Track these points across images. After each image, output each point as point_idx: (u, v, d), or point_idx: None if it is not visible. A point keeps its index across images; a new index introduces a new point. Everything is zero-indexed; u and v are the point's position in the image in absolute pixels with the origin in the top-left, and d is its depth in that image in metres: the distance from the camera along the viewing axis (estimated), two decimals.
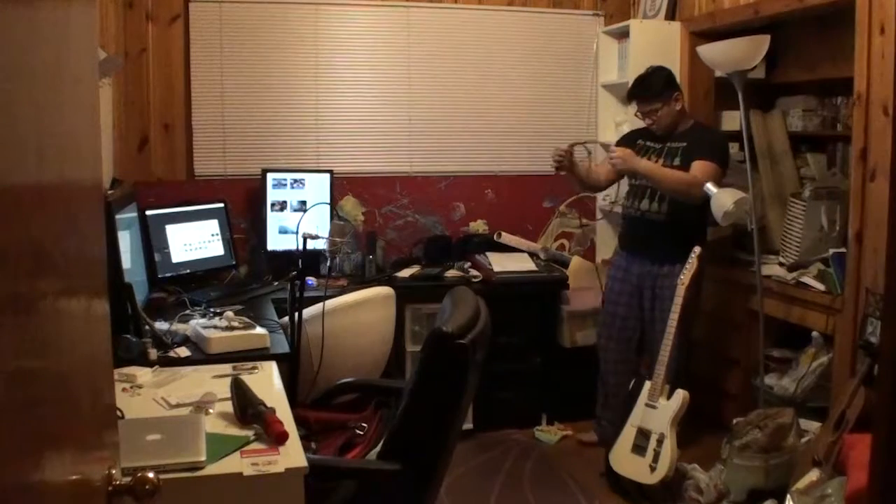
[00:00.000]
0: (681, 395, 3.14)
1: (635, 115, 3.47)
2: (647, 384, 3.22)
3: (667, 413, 3.13)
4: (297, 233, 2.98)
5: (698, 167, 3.27)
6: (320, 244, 3.19)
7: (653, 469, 3.09)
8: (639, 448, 3.17)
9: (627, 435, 3.21)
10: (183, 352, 2.56)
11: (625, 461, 3.20)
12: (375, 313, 3.34)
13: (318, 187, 3.92)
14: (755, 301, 3.42)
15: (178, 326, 2.73)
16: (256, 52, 4.01)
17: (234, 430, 1.87)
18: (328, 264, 3.53)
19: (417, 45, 4.21)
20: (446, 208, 4.31)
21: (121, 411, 1.85)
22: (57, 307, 0.91)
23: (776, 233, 3.73)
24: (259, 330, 2.66)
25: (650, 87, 3.37)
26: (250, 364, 2.38)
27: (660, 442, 3.11)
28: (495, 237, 4.20)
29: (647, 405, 3.20)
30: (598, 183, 3.65)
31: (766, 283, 3.38)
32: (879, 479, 0.94)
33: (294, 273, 2.84)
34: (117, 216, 2.74)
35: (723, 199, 3.47)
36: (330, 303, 3.05)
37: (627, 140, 3.59)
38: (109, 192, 3.07)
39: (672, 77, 3.43)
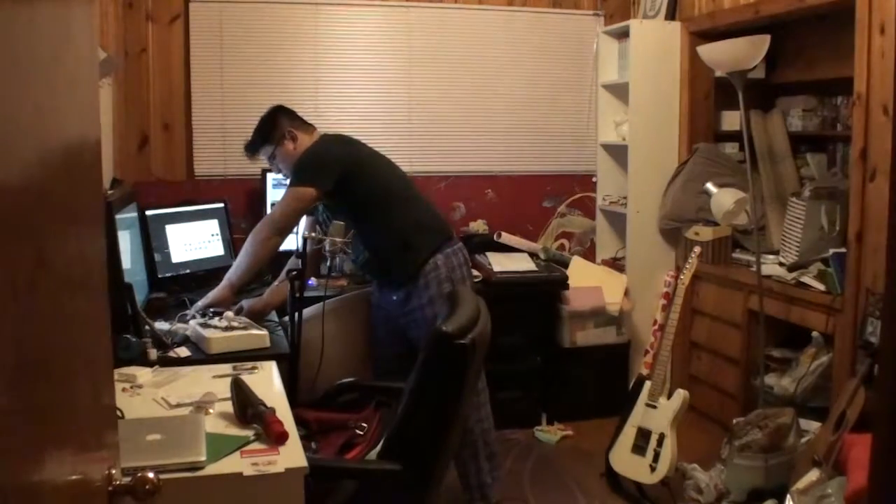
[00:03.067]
0: (681, 394, 3.13)
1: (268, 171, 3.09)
2: (647, 384, 3.22)
3: (667, 413, 3.12)
4: (297, 233, 2.97)
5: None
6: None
7: (653, 469, 3.08)
8: (639, 448, 3.16)
9: (628, 435, 3.21)
10: (183, 352, 2.55)
11: (625, 461, 3.19)
12: None
13: None
14: (755, 301, 3.42)
15: (178, 326, 2.73)
16: (256, 52, 4.01)
17: (234, 430, 1.87)
18: (328, 264, 3.53)
19: (417, 45, 4.21)
20: (446, 208, 4.30)
21: (121, 411, 1.85)
22: (57, 307, 0.91)
23: (776, 233, 3.74)
24: (259, 330, 2.66)
25: (254, 139, 3.04)
26: (250, 364, 2.38)
27: (660, 442, 3.10)
28: (495, 237, 4.20)
29: (647, 405, 3.19)
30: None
31: (766, 283, 3.38)
32: (879, 479, 0.94)
33: (294, 273, 2.84)
34: (117, 216, 2.73)
35: (723, 199, 3.48)
36: (330, 303, 3.05)
37: None
38: (109, 192, 3.06)
39: (274, 120, 3.02)
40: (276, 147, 3.01)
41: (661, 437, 3.11)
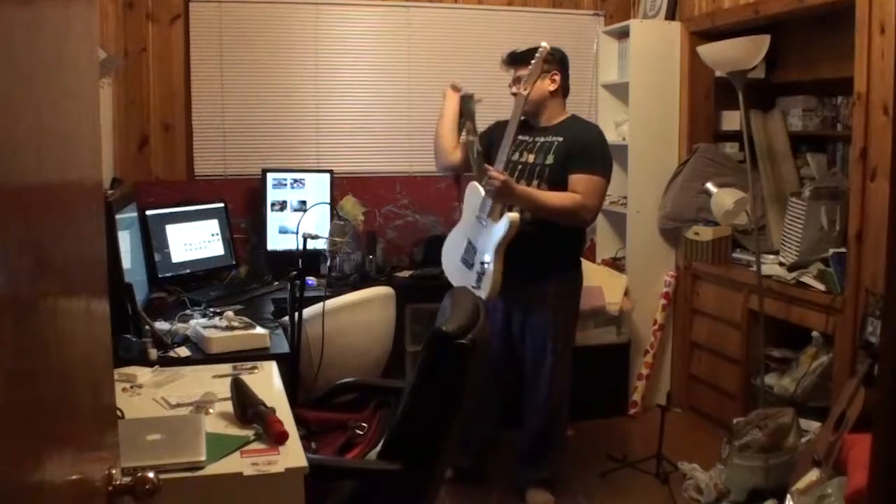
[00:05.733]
0: (508, 218, 2.83)
1: (509, 87, 3.09)
2: (479, 189, 2.93)
3: (493, 238, 2.86)
4: (297, 233, 2.98)
5: (579, 183, 2.92)
6: (320, 244, 3.19)
7: (475, 289, 2.88)
8: (466, 262, 2.98)
9: (457, 242, 3.01)
10: (183, 352, 2.56)
11: (454, 268, 3.02)
12: (375, 313, 3.34)
13: (318, 187, 3.92)
14: (755, 301, 3.42)
15: (178, 326, 2.73)
16: (256, 52, 4.01)
17: (234, 430, 1.87)
18: (328, 264, 3.53)
19: (417, 45, 4.21)
20: (446, 208, 4.30)
21: (121, 411, 1.85)
22: (57, 307, 0.91)
23: (776, 233, 3.74)
24: (259, 330, 2.66)
25: (527, 53, 3.00)
26: (250, 364, 2.38)
27: (483, 264, 2.89)
28: None
29: (477, 217, 2.93)
30: (453, 162, 3.21)
31: (766, 283, 3.38)
32: (879, 479, 0.94)
33: (294, 273, 2.84)
34: (117, 216, 2.74)
35: (723, 199, 3.48)
36: (330, 303, 3.05)
37: (498, 128, 3.12)
38: (109, 192, 3.07)
39: (558, 56, 3.06)
40: (532, 75, 2.95)
41: (485, 262, 2.88)
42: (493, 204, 2.91)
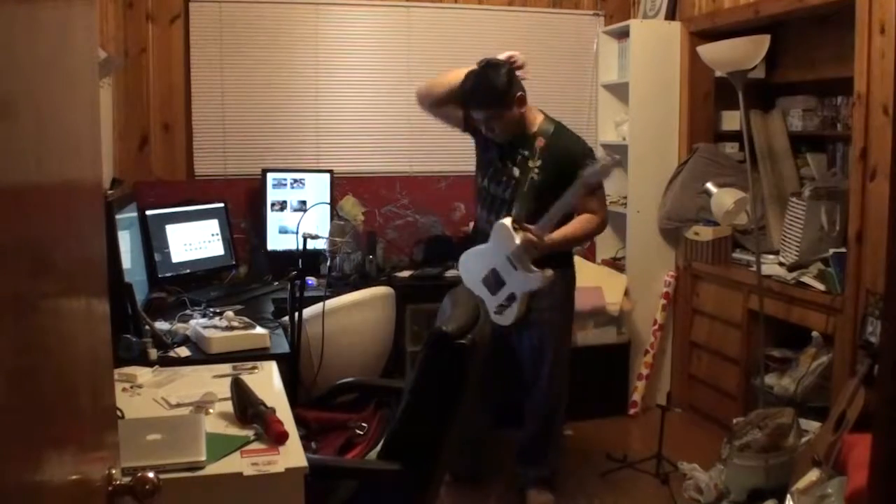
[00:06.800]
0: (544, 276, 2.85)
1: (475, 125, 3.05)
2: (514, 237, 2.85)
3: (525, 285, 2.89)
4: (297, 233, 2.98)
5: (590, 203, 2.99)
6: (320, 244, 3.19)
7: (496, 314, 2.94)
8: (488, 286, 2.96)
9: (481, 264, 2.98)
10: (183, 352, 2.56)
11: (475, 286, 2.96)
12: (375, 313, 3.34)
13: (318, 187, 3.92)
14: (755, 301, 3.42)
15: (178, 326, 2.73)
16: (256, 52, 4.01)
17: (234, 430, 1.87)
18: (328, 264, 3.53)
19: (417, 45, 4.21)
20: (446, 208, 4.30)
21: (121, 411, 1.85)
22: (57, 307, 0.91)
23: (776, 233, 3.74)
24: (259, 330, 2.66)
25: (485, 94, 2.91)
26: (250, 364, 2.38)
27: (510, 299, 2.92)
28: None
29: (507, 258, 2.88)
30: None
31: (766, 283, 3.38)
32: (879, 479, 0.94)
33: (294, 273, 2.85)
34: (117, 216, 2.74)
35: (723, 199, 3.48)
36: (330, 303, 3.05)
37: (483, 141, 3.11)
38: (109, 192, 3.07)
39: (510, 78, 2.90)
40: (507, 108, 2.91)
41: (513, 297, 2.91)
42: (527, 255, 2.87)
